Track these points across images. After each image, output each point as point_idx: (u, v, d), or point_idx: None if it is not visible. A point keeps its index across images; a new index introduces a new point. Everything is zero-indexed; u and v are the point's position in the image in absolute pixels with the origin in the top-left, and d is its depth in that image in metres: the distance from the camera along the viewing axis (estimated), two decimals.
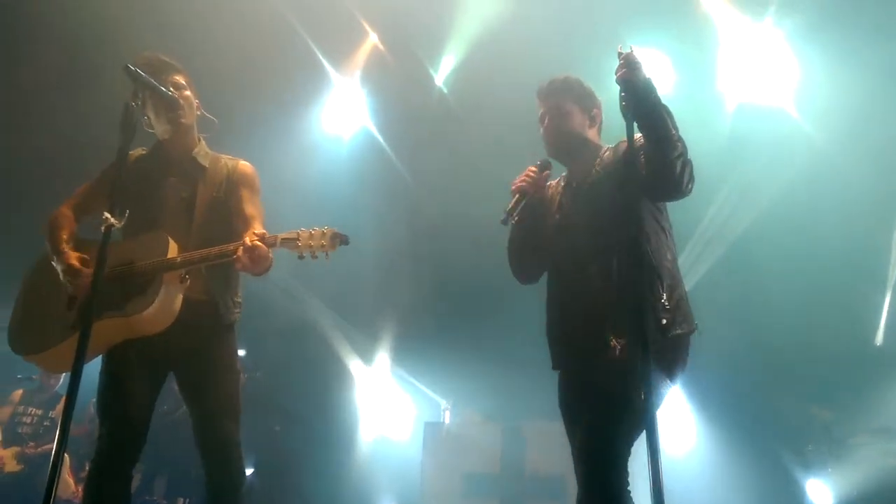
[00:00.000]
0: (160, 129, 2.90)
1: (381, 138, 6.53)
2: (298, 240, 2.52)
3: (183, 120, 2.86)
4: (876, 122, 5.41)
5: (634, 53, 2.38)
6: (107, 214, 2.24)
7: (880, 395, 5.65)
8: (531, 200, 2.65)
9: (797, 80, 5.62)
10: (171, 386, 2.96)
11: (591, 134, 2.75)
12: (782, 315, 6.09)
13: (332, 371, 7.60)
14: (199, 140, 2.98)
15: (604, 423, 2.35)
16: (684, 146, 2.37)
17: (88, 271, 2.64)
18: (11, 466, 5.83)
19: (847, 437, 5.40)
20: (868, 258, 6.17)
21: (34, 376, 6.09)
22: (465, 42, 5.74)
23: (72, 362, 2.08)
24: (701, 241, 6.24)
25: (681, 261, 2.75)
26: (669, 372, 2.40)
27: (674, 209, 2.63)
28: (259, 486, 6.55)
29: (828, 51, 5.33)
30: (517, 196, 2.62)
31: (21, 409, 6.13)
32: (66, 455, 2.05)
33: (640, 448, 2.00)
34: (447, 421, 6.85)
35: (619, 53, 2.38)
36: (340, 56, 6.06)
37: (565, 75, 2.78)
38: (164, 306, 2.63)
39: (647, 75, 2.37)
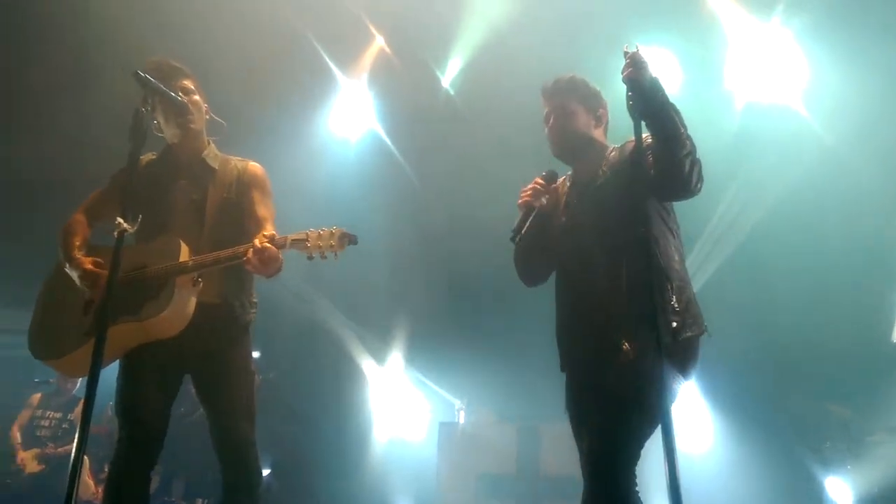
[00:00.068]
0: (170, 133, 2.93)
1: (388, 140, 6.54)
2: (307, 240, 2.53)
3: (192, 124, 2.89)
4: (885, 121, 5.36)
5: (640, 52, 2.36)
6: (119, 220, 2.27)
7: None
8: (539, 211, 2.63)
9: (806, 80, 5.58)
10: (188, 388, 2.99)
11: (597, 134, 2.73)
12: (796, 313, 6.05)
13: (346, 372, 7.62)
14: (209, 143, 3.01)
15: (613, 424, 2.33)
16: (693, 145, 2.36)
17: (105, 273, 2.66)
18: (32, 467, 5.93)
19: (865, 435, 5.35)
20: (879, 255, 6.11)
21: (51, 380, 6.18)
22: (471, 43, 5.74)
23: (89, 367, 2.11)
24: (710, 240, 6.21)
25: (690, 260, 2.75)
26: (680, 375, 2.39)
27: (683, 208, 2.61)
28: (276, 486, 6.59)
29: (836, 50, 5.29)
30: (524, 212, 2.61)
31: (40, 412, 6.23)
32: (85, 457, 2.08)
33: (656, 447, 1.98)
34: (462, 421, 6.85)
35: (625, 53, 2.36)
36: (347, 59, 6.08)
37: (571, 75, 2.76)
38: (178, 310, 2.65)
39: (654, 74, 2.35)
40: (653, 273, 2.21)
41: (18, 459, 5.94)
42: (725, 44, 5.64)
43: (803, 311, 5.99)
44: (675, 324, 2.35)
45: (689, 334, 2.38)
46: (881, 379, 5.73)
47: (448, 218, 6.51)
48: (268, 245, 2.51)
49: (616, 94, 2.54)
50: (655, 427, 2.27)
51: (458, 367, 7.09)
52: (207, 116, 2.99)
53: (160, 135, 2.95)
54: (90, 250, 2.85)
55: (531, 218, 2.59)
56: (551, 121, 2.73)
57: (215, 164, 2.96)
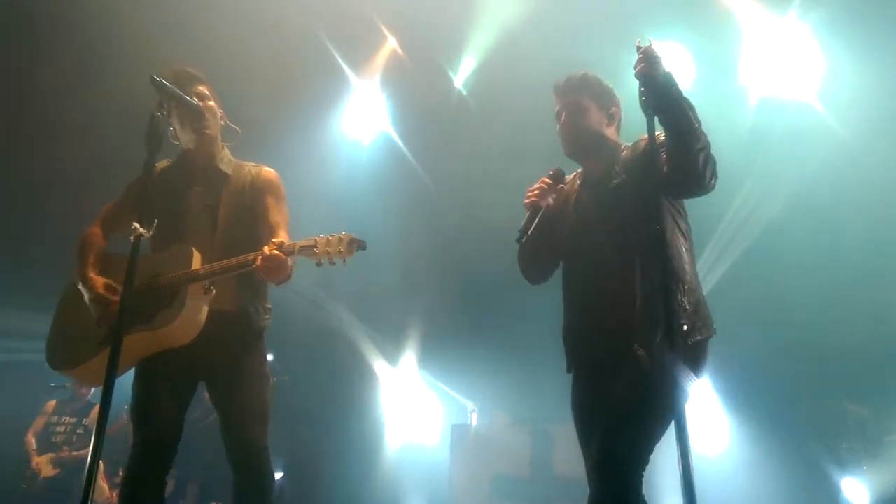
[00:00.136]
0: (185, 139, 2.94)
1: (400, 142, 6.54)
2: (316, 247, 2.52)
3: (208, 130, 2.90)
4: None
5: (653, 47, 2.33)
6: (135, 224, 2.27)
7: None
8: (546, 211, 2.57)
9: (821, 74, 5.54)
10: (202, 393, 3.00)
11: (609, 132, 2.68)
12: (812, 310, 5.99)
13: (358, 373, 7.62)
14: (223, 149, 3.02)
15: (622, 428, 2.29)
16: (707, 140, 2.32)
17: (116, 299, 2.68)
18: (48, 472, 5.96)
19: (883, 435, 5.30)
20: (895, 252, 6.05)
21: (66, 384, 6.21)
22: (483, 43, 5.74)
23: (104, 376, 2.11)
24: (724, 237, 6.16)
25: (704, 258, 2.72)
26: (692, 376, 2.35)
27: (696, 204, 2.56)
28: (289, 490, 6.60)
29: (853, 44, 5.25)
30: (531, 212, 2.55)
31: (55, 418, 6.26)
32: (100, 461, 2.08)
33: (670, 448, 1.96)
34: (475, 423, 6.83)
35: (638, 48, 2.33)
36: (360, 60, 6.10)
37: (583, 72, 2.71)
38: (189, 318, 2.66)
39: (668, 69, 2.32)
40: (667, 274, 2.17)
41: (33, 464, 5.97)
42: (740, 38, 5.61)
43: (819, 308, 5.93)
44: (685, 326, 2.31)
45: (698, 337, 2.35)
46: None
47: (461, 219, 6.48)
48: (276, 252, 2.51)
49: (629, 92, 2.49)
50: (665, 430, 2.24)
51: (471, 369, 7.07)
52: (222, 122, 3.00)
53: (175, 142, 2.96)
54: (105, 261, 2.87)
55: (538, 218, 2.53)
56: (563, 117, 2.68)
57: (228, 170, 2.96)
